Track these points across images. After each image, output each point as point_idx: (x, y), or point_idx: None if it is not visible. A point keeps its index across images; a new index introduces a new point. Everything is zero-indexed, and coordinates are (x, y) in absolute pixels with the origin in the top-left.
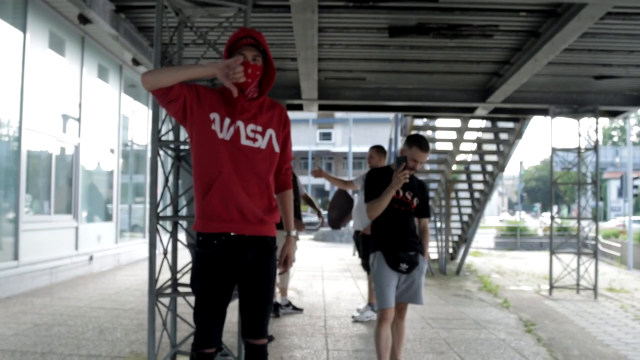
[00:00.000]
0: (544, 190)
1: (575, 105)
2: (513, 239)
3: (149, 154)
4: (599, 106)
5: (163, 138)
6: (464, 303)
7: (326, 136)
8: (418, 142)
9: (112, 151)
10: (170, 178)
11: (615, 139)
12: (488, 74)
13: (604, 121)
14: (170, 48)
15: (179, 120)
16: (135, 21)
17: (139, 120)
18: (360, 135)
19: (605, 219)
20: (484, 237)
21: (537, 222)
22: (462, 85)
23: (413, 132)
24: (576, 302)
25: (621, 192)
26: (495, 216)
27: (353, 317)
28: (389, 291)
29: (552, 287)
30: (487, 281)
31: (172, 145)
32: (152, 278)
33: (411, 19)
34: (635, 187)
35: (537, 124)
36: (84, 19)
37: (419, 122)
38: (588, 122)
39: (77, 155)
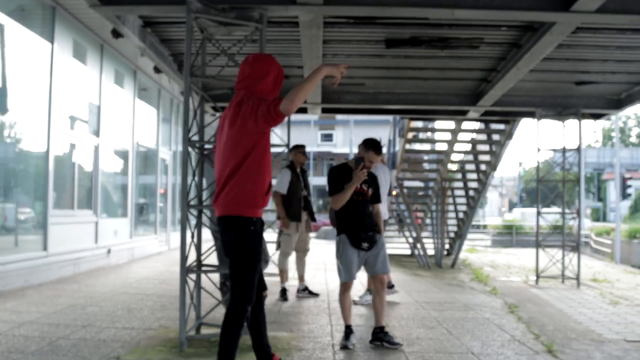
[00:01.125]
0: (543, 191)
1: (559, 108)
2: (509, 236)
3: (159, 155)
4: (581, 109)
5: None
6: (456, 290)
7: (327, 137)
8: (373, 147)
9: (126, 152)
10: (196, 173)
11: (615, 140)
12: (477, 80)
13: (604, 122)
14: (196, 61)
15: (267, 129)
16: (159, 34)
17: (149, 123)
18: (360, 136)
19: (605, 219)
20: (482, 236)
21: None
22: (454, 90)
23: (368, 138)
24: (560, 290)
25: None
26: (497, 217)
27: (353, 301)
28: (352, 267)
29: (538, 277)
30: (479, 272)
31: (198, 145)
32: (183, 256)
33: (405, 33)
34: (629, 186)
35: (536, 125)
36: (116, 34)
37: (416, 123)
38: (585, 123)
39: (97, 155)
